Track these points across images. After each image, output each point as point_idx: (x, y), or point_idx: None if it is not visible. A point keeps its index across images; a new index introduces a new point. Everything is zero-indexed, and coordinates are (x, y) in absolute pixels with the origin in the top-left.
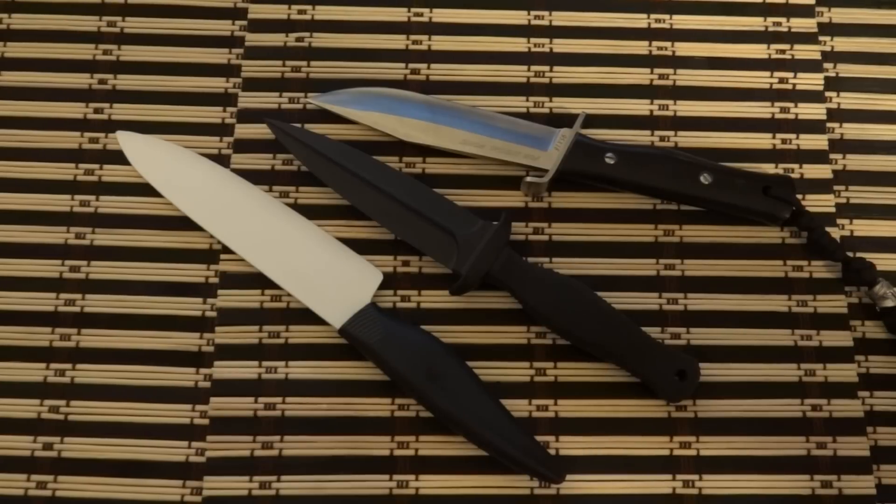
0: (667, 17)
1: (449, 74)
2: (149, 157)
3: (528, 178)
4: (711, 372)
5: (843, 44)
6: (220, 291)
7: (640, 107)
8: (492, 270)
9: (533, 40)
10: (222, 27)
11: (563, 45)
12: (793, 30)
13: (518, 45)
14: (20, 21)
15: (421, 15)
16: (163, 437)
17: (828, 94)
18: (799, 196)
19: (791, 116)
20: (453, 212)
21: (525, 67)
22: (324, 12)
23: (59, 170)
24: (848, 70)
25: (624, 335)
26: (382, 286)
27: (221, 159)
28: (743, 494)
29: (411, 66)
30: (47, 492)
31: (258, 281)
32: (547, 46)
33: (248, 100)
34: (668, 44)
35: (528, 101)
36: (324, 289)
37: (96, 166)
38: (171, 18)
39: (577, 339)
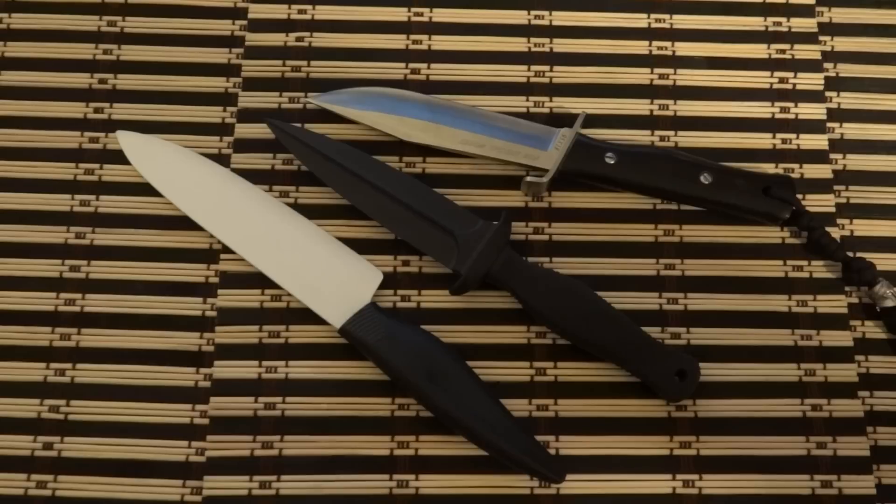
0: (667, 17)
1: (449, 74)
2: (149, 156)
3: (528, 178)
4: (711, 372)
5: (843, 44)
6: (220, 291)
7: (640, 107)
8: (492, 270)
9: (533, 40)
10: (222, 27)
11: (563, 45)
12: (793, 30)
13: (518, 45)
14: (20, 21)
15: (421, 15)
16: (163, 437)
17: (828, 93)
18: (799, 196)
19: (791, 116)
20: (453, 212)
21: (525, 67)
22: (324, 12)
23: (59, 169)
24: (848, 70)
25: (624, 335)
26: (382, 286)
27: (221, 159)
28: (743, 494)
29: (411, 65)
30: (47, 491)
31: (258, 281)
32: (547, 46)
33: (248, 100)
34: (668, 44)
35: (528, 100)
36: (324, 289)
37: (96, 166)
38: (171, 18)
39: (577, 339)
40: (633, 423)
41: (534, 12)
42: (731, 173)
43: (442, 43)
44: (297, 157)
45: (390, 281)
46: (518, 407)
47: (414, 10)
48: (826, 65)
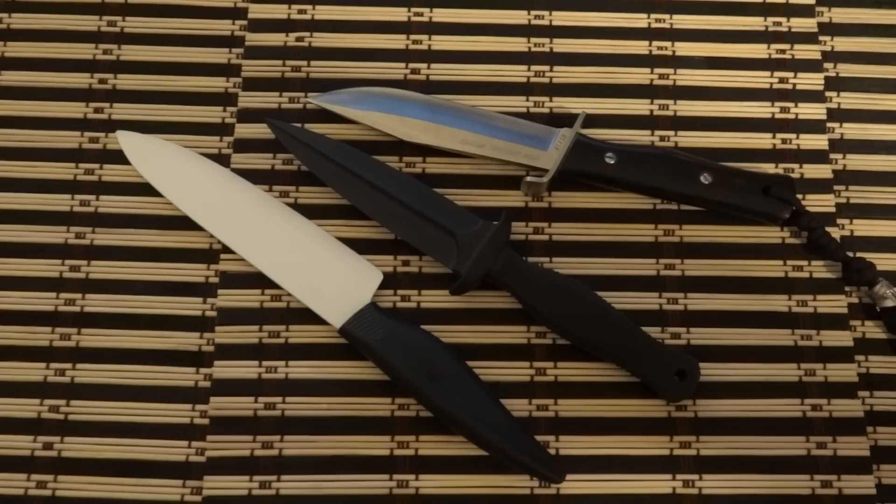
0: (667, 17)
1: (449, 74)
2: (149, 156)
3: (528, 178)
4: (711, 372)
5: (843, 44)
6: (220, 291)
7: (640, 107)
8: (492, 270)
9: (533, 40)
10: (222, 27)
11: (563, 45)
12: (793, 30)
13: (518, 45)
14: (20, 21)
15: (421, 15)
16: (163, 437)
17: (828, 93)
18: (799, 196)
19: (791, 116)
20: (453, 212)
21: (525, 67)
22: (324, 12)
23: (59, 169)
24: (848, 70)
25: (624, 335)
26: (382, 286)
27: (221, 159)
28: (743, 494)
29: (411, 65)
30: (47, 491)
31: (258, 281)
32: (547, 46)
33: (248, 100)
34: (668, 44)
35: (528, 100)
36: (324, 288)
37: (96, 166)
38: (171, 18)
39: (577, 339)
40: (633, 423)
41: (534, 12)
42: (731, 173)
43: (442, 43)
44: (297, 157)
45: (390, 281)
46: (518, 407)
47: (414, 10)
48: (826, 65)
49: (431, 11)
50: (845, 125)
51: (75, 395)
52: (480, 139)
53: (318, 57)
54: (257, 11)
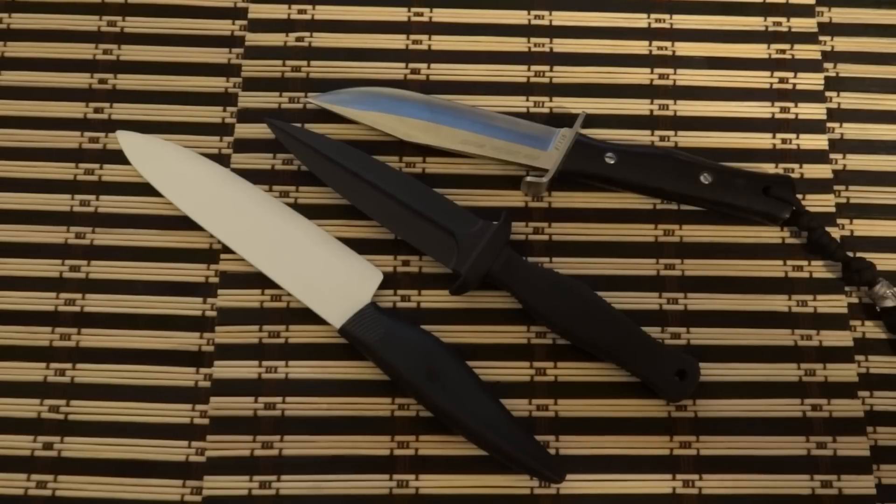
0: (667, 17)
1: (449, 74)
2: (149, 156)
3: (529, 178)
4: (711, 372)
5: (843, 44)
6: (220, 291)
7: (640, 107)
8: (492, 270)
9: (533, 40)
10: (222, 27)
11: (563, 45)
12: (793, 30)
13: (518, 45)
14: (20, 21)
15: (421, 15)
16: (163, 437)
17: (828, 93)
18: (799, 196)
19: (791, 116)
20: (453, 212)
21: (525, 67)
22: (324, 12)
23: (59, 169)
24: (848, 70)
25: (624, 335)
26: (382, 286)
27: (221, 159)
28: (743, 494)
29: (411, 65)
30: (47, 491)
31: (258, 281)
32: (547, 46)
33: (248, 99)
34: (668, 44)
35: (528, 100)
36: (324, 288)
37: (96, 166)
38: (171, 18)
39: (577, 339)
40: (633, 423)
41: (534, 12)
42: (731, 173)
43: (442, 43)
44: (297, 157)
45: (390, 281)
46: (518, 407)
47: (414, 10)
48: (826, 65)
49: (431, 11)
50: (845, 125)
51: (75, 395)
52: (480, 139)
53: (318, 57)
54: (257, 11)
